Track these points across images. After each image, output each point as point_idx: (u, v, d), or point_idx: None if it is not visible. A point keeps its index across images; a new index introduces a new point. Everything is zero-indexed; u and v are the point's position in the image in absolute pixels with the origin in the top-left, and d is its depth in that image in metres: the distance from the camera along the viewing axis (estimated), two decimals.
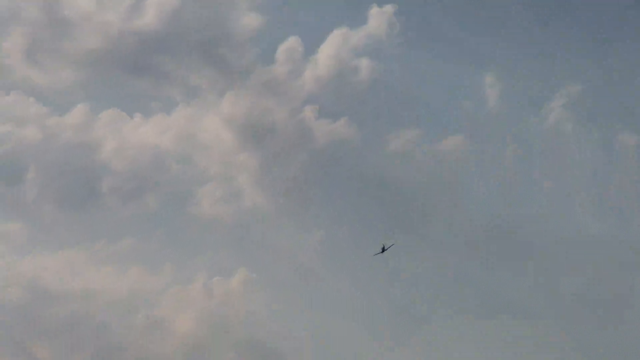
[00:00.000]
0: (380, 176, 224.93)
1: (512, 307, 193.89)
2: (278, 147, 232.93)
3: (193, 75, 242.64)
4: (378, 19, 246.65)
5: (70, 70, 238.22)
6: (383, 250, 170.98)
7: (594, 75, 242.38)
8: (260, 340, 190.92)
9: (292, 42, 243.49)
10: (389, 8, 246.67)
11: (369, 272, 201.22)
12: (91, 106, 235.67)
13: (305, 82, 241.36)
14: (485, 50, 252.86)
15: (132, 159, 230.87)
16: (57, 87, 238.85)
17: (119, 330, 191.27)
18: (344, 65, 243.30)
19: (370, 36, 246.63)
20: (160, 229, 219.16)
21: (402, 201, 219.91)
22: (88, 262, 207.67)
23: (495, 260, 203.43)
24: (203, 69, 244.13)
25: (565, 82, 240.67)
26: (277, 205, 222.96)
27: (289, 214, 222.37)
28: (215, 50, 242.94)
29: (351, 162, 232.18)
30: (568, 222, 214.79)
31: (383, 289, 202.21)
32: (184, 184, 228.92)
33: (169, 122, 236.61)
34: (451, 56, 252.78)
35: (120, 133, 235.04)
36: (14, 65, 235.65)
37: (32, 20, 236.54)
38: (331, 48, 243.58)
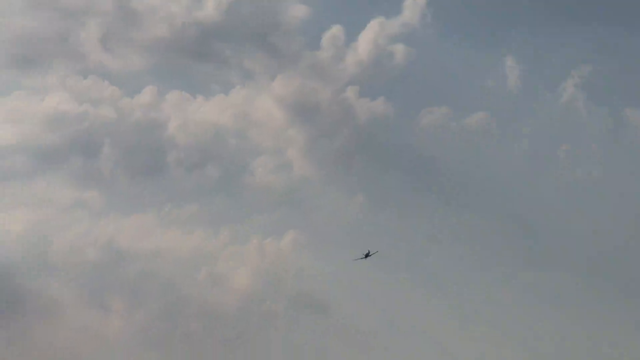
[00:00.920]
0: (413, 148, 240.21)
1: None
2: (323, 123, 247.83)
3: (248, 61, 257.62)
4: (412, 9, 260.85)
5: (139, 57, 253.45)
6: (366, 256, 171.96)
7: (603, 57, 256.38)
8: (308, 294, 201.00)
9: (335, 30, 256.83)
10: (421, 0, 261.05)
11: (405, 230, 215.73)
12: (158, 88, 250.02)
13: (347, 65, 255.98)
14: (506, 36, 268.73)
15: (195, 135, 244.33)
16: (128, 71, 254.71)
17: (183, 285, 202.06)
18: (381, 50, 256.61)
19: (405, 25, 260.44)
20: (220, 196, 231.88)
21: (433, 170, 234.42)
22: (156, 225, 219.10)
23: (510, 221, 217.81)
24: (257, 55, 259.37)
25: (577, 64, 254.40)
26: (322, 174, 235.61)
27: (332, 182, 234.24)
28: (267, 38, 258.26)
29: (388, 136, 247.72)
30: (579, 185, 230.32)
31: (419, 246, 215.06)
32: (240, 156, 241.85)
33: (227, 102, 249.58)
34: (476, 42, 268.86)
35: (184, 112, 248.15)
36: (89, 52, 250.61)
37: (105, 12, 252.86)
38: (370, 35, 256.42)
